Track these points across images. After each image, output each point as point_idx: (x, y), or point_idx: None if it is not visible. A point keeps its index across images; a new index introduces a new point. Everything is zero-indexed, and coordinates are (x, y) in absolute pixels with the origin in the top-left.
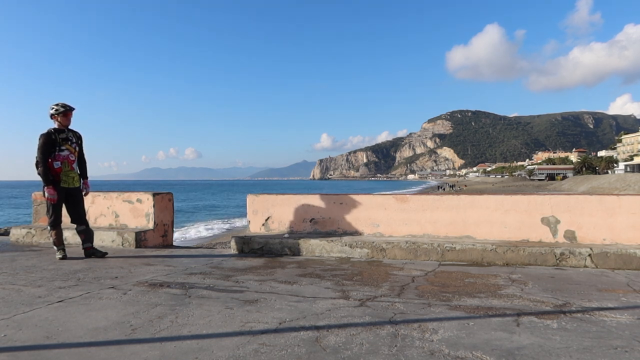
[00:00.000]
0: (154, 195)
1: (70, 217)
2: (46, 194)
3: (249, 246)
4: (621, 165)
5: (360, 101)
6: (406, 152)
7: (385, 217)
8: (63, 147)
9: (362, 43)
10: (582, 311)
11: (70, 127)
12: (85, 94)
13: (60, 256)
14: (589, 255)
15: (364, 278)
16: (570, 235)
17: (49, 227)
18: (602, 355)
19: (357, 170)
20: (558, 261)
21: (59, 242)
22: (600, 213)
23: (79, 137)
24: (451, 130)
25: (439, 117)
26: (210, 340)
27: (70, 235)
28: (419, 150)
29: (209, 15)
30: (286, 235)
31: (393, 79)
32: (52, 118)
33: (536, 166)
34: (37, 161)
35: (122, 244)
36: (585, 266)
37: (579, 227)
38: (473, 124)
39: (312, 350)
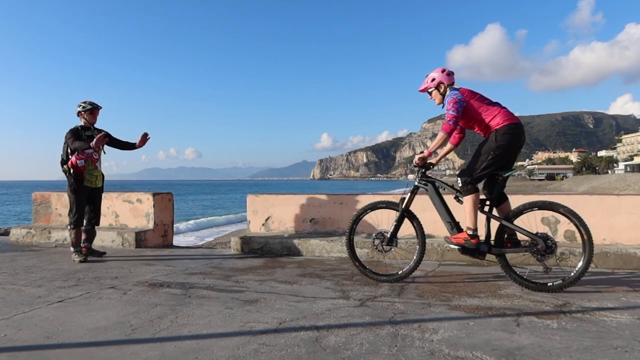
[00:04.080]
0: (154, 195)
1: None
2: (75, 159)
3: (249, 246)
4: (621, 165)
5: (360, 101)
6: (406, 152)
7: (386, 217)
8: None
9: (363, 43)
10: (582, 311)
11: (95, 125)
12: (86, 95)
13: (80, 259)
14: None
15: (364, 278)
16: (570, 235)
17: (70, 226)
18: (602, 355)
19: (357, 170)
20: (558, 261)
21: (78, 243)
22: (600, 213)
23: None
24: None
25: (439, 117)
26: (210, 340)
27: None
28: (419, 150)
29: (209, 16)
30: (286, 235)
31: (393, 78)
32: (78, 115)
33: (536, 166)
34: (62, 159)
35: (122, 244)
36: None
37: None
38: None
39: (312, 350)
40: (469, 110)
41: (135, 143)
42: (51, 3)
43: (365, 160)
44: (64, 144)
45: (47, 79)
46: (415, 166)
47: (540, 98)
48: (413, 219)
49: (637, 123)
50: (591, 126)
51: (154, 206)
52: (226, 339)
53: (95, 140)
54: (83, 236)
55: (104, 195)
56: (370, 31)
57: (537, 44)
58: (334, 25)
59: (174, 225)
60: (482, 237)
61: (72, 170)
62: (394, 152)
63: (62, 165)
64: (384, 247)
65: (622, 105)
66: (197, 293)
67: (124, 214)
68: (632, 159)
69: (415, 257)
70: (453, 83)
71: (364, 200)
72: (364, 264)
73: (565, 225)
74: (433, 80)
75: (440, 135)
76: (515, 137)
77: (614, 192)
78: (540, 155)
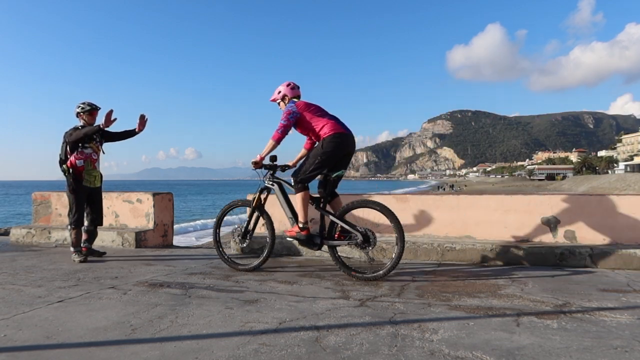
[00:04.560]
0: (154, 195)
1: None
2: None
3: (249, 246)
4: (621, 165)
5: (360, 101)
6: (406, 152)
7: (385, 217)
8: (87, 145)
9: (362, 42)
10: (582, 311)
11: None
12: (86, 94)
13: (80, 259)
14: (589, 255)
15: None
16: (570, 235)
17: (70, 226)
18: (602, 355)
19: (357, 170)
20: (558, 261)
21: (78, 243)
22: (600, 213)
23: (102, 135)
24: (451, 130)
25: (439, 117)
26: (210, 340)
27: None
28: (419, 150)
29: (209, 13)
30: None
31: (393, 78)
32: (77, 116)
33: (536, 166)
34: (61, 158)
35: (122, 244)
36: (585, 266)
37: (579, 227)
38: (473, 124)
39: (312, 350)
40: (302, 121)
41: (134, 129)
42: (51, 1)
43: (365, 160)
44: (63, 143)
45: (47, 77)
46: (253, 169)
47: (540, 98)
48: (263, 214)
49: (637, 123)
50: (591, 126)
51: (154, 206)
52: (226, 339)
53: (104, 118)
54: (84, 236)
55: (104, 195)
56: (370, 30)
57: (537, 44)
58: (334, 22)
59: (174, 225)
60: (317, 231)
61: (70, 170)
62: (394, 152)
63: (60, 165)
64: (240, 240)
65: (622, 105)
66: (197, 293)
67: (124, 214)
68: (632, 159)
69: (265, 250)
70: (297, 96)
71: None
72: (225, 255)
73: (565, 225)
74: (279, 92)
75: (270, 142)
76: (339, 145)
77: (614, 192)
78: (540, 155)
